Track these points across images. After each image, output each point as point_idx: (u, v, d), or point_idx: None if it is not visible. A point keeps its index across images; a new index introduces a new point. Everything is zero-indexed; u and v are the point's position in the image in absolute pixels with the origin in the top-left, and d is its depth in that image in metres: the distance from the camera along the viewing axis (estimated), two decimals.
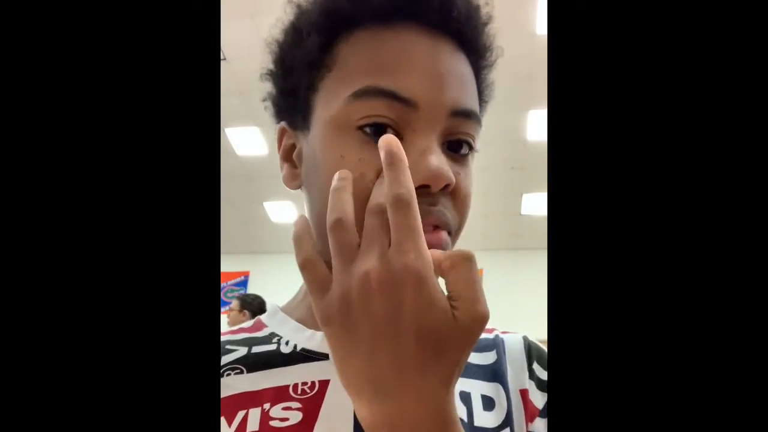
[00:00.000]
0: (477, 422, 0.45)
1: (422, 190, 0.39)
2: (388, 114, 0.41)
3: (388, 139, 0.36)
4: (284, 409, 0.44)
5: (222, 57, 3.81)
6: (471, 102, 0.44)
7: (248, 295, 3.17)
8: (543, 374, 0.51)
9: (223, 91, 3.77)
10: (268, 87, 0.50)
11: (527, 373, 0.51)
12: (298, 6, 0.47)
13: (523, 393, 0.49)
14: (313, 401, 0.44)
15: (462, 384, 0.47)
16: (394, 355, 0.33)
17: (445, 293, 0.34)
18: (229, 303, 2.98)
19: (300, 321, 0.50)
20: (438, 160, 0.40)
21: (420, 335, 0.33)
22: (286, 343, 0.49)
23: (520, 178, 5.23)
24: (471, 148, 0.44)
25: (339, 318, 0.34)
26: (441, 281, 0.35)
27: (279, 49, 0.48)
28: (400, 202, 0.34)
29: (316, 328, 0.49)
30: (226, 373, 0.47)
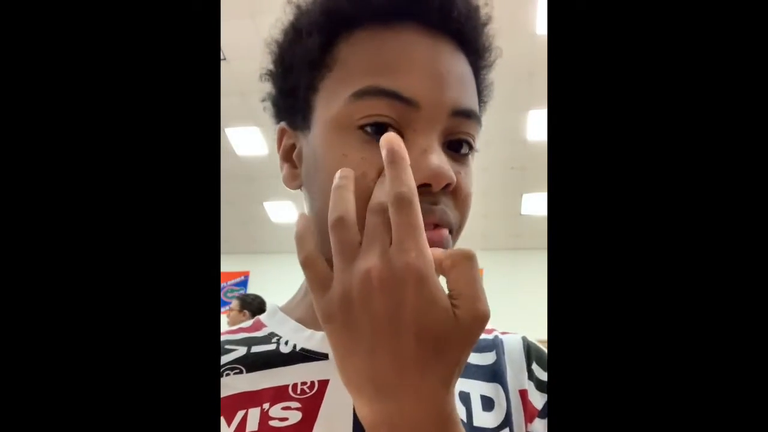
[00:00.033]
0: (476, 422, 0.45)
1: (423, 189, 0.39)
2: (389, 113, 0.41)
3: (389, 138, 0.36)
4: (283, 408, 0.44)
5: (222, 57, 3.81)
6: (471, 102, 0.44)
7: (248, 295, 3.17)
8: (542, 375, 0.51)
9: (223, 91, 3.77)
10: (267, 87, 0.50)
11: (526, 373, 0.51)
12: (298, 6, 0.47)
13: (523, 393, 0.49)
14: (312, 401, 0.44)
15: (461, 384, 0.47)
16: (394, 353, 0.33)
17: (446, 292, 0.34)
18: (229, 303, 2.98)
19: (299, 321, 0.50)
20: (439, 159, 0.40)
21: (421, 334, 0.33)
22: (286, 342, 0.49)
23: (520, 178, 5.23)
24: (471, 147, 0.44)
25: (340, 316, 0.34)
26: (442, 280, 0.35)
27: (279, 49, 0.48)
28: (401, 201, 0.34)
29: (315, 327, 0.49)
30: (225, 373, 0.47)
